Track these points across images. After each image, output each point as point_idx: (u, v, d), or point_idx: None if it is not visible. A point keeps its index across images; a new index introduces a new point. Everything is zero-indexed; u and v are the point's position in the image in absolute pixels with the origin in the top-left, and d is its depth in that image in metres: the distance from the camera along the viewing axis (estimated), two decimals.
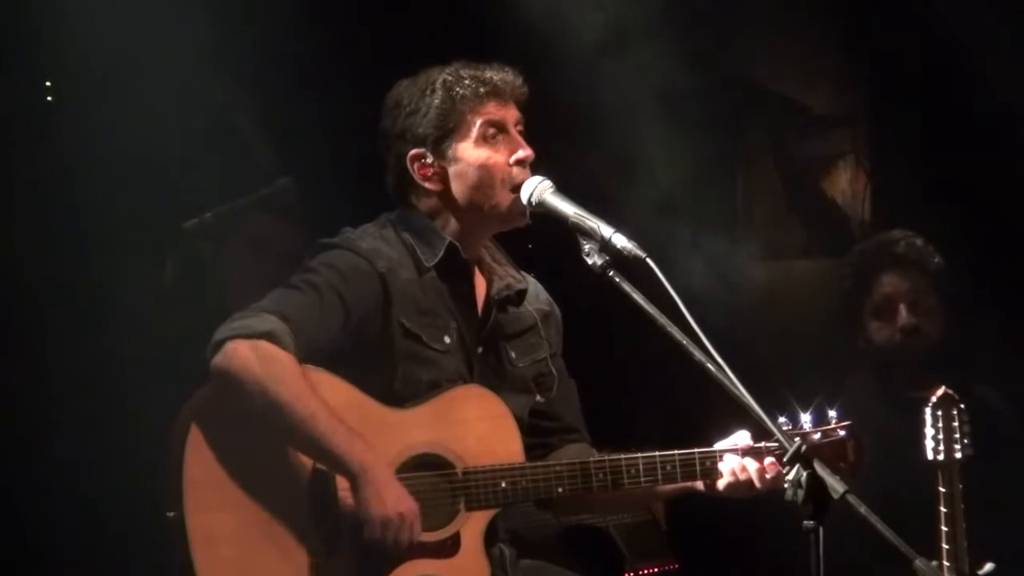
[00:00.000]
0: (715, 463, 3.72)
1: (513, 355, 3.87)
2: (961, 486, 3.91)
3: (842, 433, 3.75)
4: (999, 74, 5.44)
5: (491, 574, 3.72)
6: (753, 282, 5.80)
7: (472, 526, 3.68)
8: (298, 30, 5.14)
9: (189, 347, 3.73)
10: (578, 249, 3.56)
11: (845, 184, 6.29)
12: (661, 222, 5.21)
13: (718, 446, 3.74)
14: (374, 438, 3.57)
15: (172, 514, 3.53)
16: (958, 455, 3.91)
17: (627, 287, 3.44)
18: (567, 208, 3.62)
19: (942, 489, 3.91)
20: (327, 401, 3.54)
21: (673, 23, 5.26)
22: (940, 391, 3.96)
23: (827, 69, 6.22)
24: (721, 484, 3.72)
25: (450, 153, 3.77)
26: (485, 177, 3.75)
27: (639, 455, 3.73)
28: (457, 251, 3.79)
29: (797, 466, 3.06)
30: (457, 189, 3.78)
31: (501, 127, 3.78)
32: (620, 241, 3.50)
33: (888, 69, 5.89)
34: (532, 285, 3.97)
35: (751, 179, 6.29)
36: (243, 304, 3.63)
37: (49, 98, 5.08)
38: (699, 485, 3.77)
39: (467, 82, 3.77)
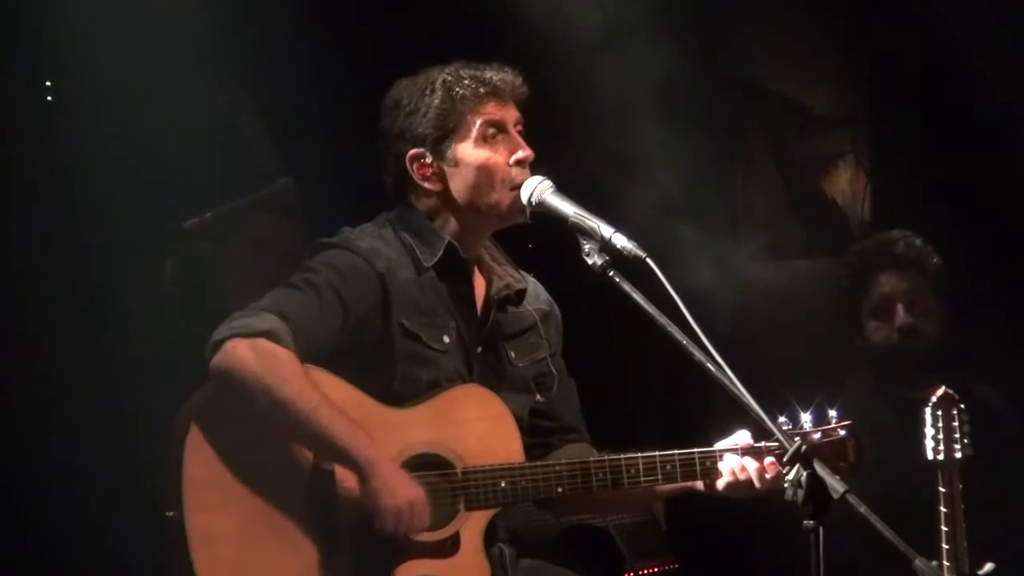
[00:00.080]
0: (715, 463, 3.72)
1: (513, 355, 3.87)
2: (961, 486, 3.91)
3: (842, 433, 3.75)
4: (999, 74, 5.44)
5: (491, 574, 3.72)
6: (753, 282, 5.79)
7: (472, 526, 3.68)
8: (298, 30, 5.14)
9: (189, 347, 3.72)
10: (578, 249, 3.55)
11: (845, 184, 6.29)
12: (661, 222, 5.20)
13: (718, 446, 3.74)
14: (374, 437, 3.56)
15: (172, 514, 3.53)
16: (958, 455, 3.92)
17: (627, 287, 3.43)
18: (567, 208, 3.62)
19: (942, 489, 3.91)
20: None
21: (673, 23, 5.26)
22: (940, 391, 3.96)
23: (827, 69, 6.22)
24: (721, 484, 3.72)
25: (449, 153, 3.76)
26: (484, 177, 3.75)
27: (639, 455, 3.72)
28: (456, 251, 3.79)
29: (797, 466, 3.05)
30: (456, 189, 3.77)
31: (501, 127, 3.77)
32: (620, 241, 3.50)
33: (888, 69, 5.89)
34: (532, 285, 3.96)
35: (751, 179, 6.29)
36: (243, 304, 3.63)
37: (49, 98, 5.08)
38: (699, 485, 3.76)
39: (467, 82, 3.76)
